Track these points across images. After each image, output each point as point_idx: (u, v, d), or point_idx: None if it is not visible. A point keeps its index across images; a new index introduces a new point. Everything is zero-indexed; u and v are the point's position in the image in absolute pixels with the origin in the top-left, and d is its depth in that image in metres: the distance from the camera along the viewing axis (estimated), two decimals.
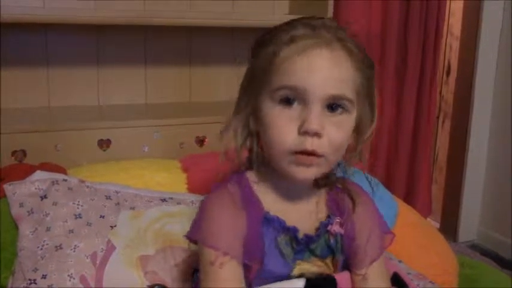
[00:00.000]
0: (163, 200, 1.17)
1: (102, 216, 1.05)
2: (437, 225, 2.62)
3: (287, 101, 0.74)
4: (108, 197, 1.11)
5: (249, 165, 0.84)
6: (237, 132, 0.81)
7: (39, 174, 1.16)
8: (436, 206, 2.64)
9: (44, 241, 0.99)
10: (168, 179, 1.33)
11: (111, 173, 1.30)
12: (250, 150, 0.83)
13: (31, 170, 1.21)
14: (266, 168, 0.81)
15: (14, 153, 1.41)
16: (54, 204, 1.05)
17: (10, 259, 1.03)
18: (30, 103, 1.65)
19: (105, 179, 1.23)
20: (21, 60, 1.63)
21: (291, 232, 0.80)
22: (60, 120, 1.55)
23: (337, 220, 0.83)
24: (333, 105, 0.75)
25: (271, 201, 0.81)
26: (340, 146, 0.76)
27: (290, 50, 0.74)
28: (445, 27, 2.48)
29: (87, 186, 1.13)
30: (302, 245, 0.81)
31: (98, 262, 0.97)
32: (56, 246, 0.98)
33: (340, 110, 0.75)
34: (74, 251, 0.98)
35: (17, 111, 1.59)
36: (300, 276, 0.81)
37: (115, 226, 1.05)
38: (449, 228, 2.55)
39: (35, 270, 0.95)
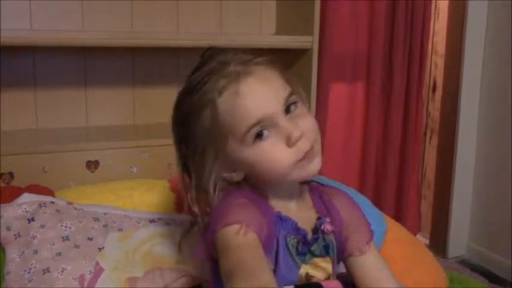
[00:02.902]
0: (152, 220, 1.17)
1: (90, 239, 1.05)
2: (427, 241, 2.63)
3: (258, 136, 0.80)
4: (96, 219, 1.10)
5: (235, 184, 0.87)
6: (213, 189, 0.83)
7: (26, 197, 1.15)
8: (426, 222, 2.65)
9: (32, 264, 0.99)
10: (157, 199, 1.32)
11: (100, 194, 1.30)
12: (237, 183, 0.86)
13: (18, 192, 1.21)
14: (256, 184, 0.85)
15: (1, 175, 1.40)
16: (42, 227, 1.05)
17: None
18: (18, 125, 1.65)
19: (93, 201, 1.23)
20: (9, 82, 1.62)
21: (300, 234, 0.84)
22: (48, 141, 1.55)
23: (327, 220, 0.87)
24: (288, 107, 0.82)
25: (277, 205, 0.85)
26: (315, 127, 0.84)
27: (225, 100, 0.79)
28: (429, 46, 2.52)
29: (75, 208, 1.13)
30: (306, 247, 0.84)
31: (85, 285, 0.96)
32: (44, 270, 0.97)
33: (293, 106, 0.82)
34: (62, 274, 0.97)
35: (4, 133, 1.59)
36: (306, 278, 0.84)
37: (103, 248, 1.04)
38: (438, 244, 2.56)
39: None
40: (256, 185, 0.86)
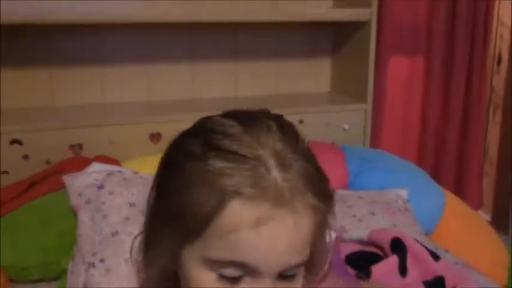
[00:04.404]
0: None
1: None
2: (489, 218, 2.57)
3: (231, 280, 0.56)
4: None
5: None
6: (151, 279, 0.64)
7: (95, 166, 1.22)
8: (487, 199, 2.59)
9: (101, 228, 1.05)
10: None
11: None
12: None
13: (88, 162, 1.28)
14: None
15: (71, 146, 1.49)
16: (110, 193, 1.11)
17: (69, 245, 1.10)
18: (85, 99, 1.74)
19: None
20: (76, 59, 1.71)
21: None
22: (113, 115, 1.62)
23: None
24: (286, 273, 0.57)
25: None
26: None
27: (241, 210, 0.53)
28: (495, 16, 2.41)
29: (141, 177, 1.19)
30: None
31: None
32: (113, 233, 1.04)
33: (292, 274, 0.58)
34: (129, 237, 1.02)
35: (73, 108, 1.68)
36: None
37: None
38: (500, 221, 2.49)
39: (94, 254, 1.01)
40: None
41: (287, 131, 0.58)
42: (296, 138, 0.59)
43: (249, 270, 0.55)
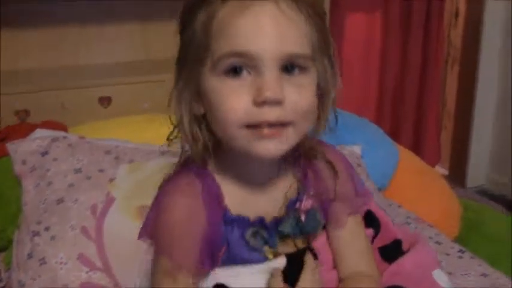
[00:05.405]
0: (163, 153, 1.18)
1: (101, 170, 1.08)
2: (446, 172, 2.62)
3: (234, 71, 0.63)
4: (107, 152, 1.13)
5: (205, 153, 0.71)
6: (182, 120, 0.69)
7: (39, 132, 1.18)
8: (445, 152, 2.64)
9: (46, 195, 1.03)
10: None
11: (112, 129, 1.32)
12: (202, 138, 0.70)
13: (32, 128, 1.24)
14: (225, 154, 0.71)
15: (17, 113, 1.44)
16: (55, 160, 1.08)
17: (15, 214, 1.07)
18: (33, 63, 1.67)
19: (105, 136, 1.25)
20: (22, 22, 1.63)
21: (257, 224, 0.72)
22: (61, 79, 1.57)
23: (310, 193, 0.75)
24: (289, 66, 0.64)
25: (234, 193, 0.72)
26: (307, 110, 0.66)
27: (228, 9, 0.63)
28: None
29: (87, 142, 1.16)
30: (271, 230, 0.73)
31: (98, 213, 1.00)
32: (58, 200, 1.01)
33: (297, 70, 0.65)
34: (75, 204, 1.01)
35: (19, 73, 1.61)
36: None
37: (114, 179, 1.07)
38: (458, 174, 2.55)
39: (39, 222, 0.99)
40: (222, 155, 0.71)
41: None
42: None
43: (248, 60, 0.62)
